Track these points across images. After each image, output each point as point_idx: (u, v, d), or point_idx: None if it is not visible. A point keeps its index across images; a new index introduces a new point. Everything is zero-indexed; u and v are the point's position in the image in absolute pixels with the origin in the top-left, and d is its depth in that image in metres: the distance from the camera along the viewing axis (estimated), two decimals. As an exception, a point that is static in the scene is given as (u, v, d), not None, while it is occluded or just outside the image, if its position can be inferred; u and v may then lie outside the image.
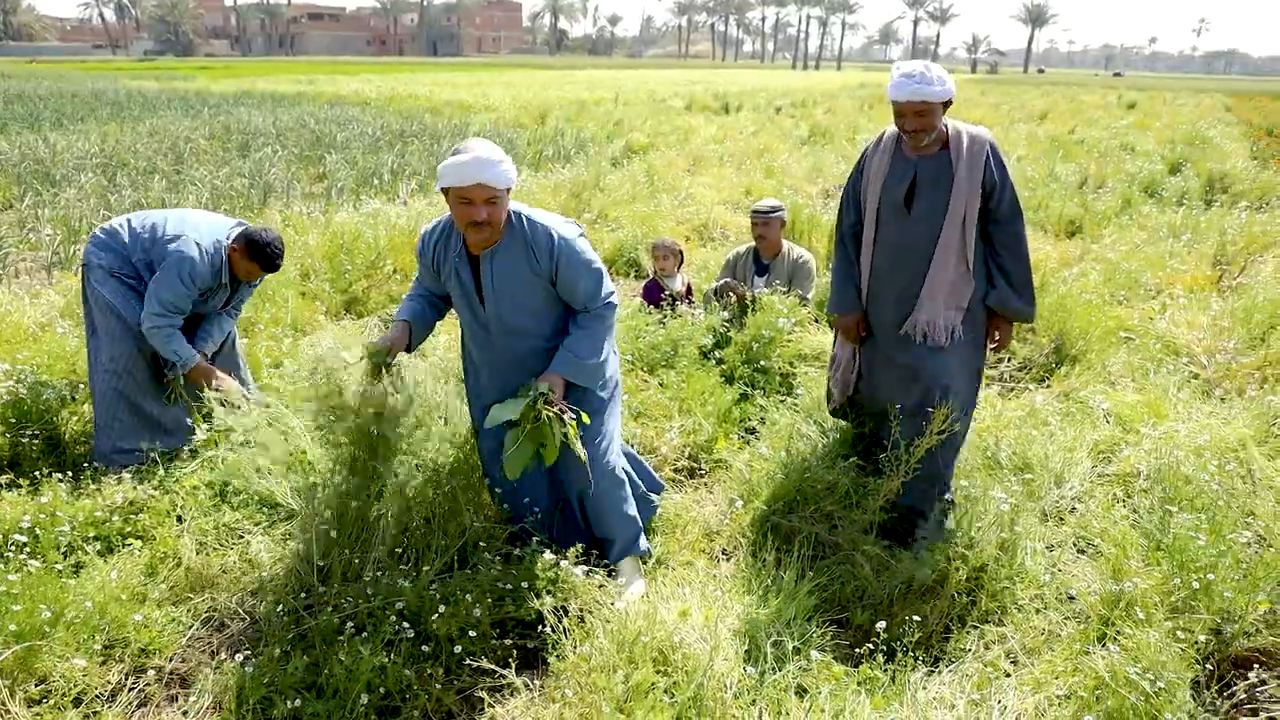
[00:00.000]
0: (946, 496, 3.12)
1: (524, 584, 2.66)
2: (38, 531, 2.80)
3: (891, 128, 3.15)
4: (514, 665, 2.36)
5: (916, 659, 2.45)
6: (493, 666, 2.36)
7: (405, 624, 2.49)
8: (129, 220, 3.60)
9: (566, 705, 2.23)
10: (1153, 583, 2.64)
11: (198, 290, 3.50)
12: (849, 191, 3.32)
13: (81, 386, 3.84)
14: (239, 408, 3.28)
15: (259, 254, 3.55)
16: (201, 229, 3.56)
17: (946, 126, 3.06)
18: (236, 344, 3.95)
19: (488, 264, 2.77)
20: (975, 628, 2.69)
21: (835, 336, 3.49)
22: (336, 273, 5.93)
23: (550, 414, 2.65)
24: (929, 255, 3.09)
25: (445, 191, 2.61)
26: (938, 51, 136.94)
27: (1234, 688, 2.45)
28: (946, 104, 2.98)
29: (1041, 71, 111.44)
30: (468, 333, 2.99)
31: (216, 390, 3.44)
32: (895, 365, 3.21)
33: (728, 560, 3.12)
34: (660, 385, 4.22)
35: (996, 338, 3.25)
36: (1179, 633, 2.44)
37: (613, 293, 2.89)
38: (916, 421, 3.05)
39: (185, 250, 3.44)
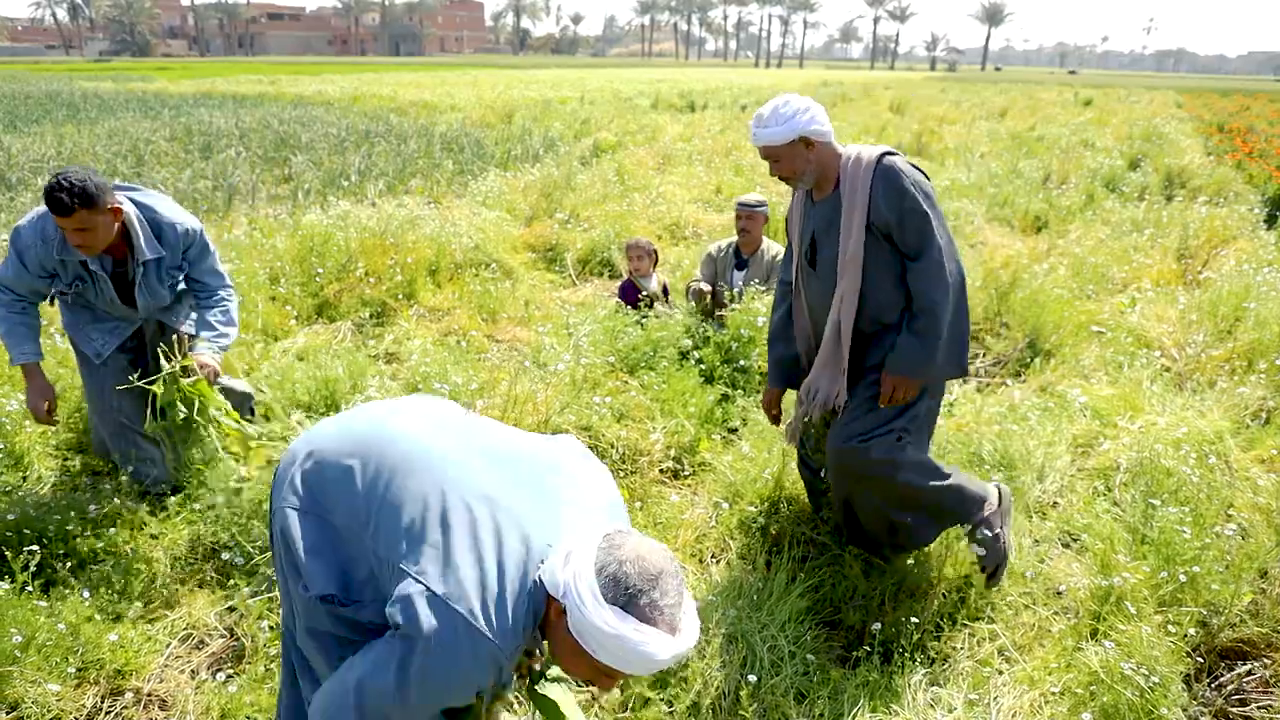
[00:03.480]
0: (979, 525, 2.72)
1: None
2: (4, 550, 2.70)
3: None
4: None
5: (914, 660, 2.45)
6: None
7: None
8: None
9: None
10: (1141, 577, 2.66)
11: (26, 267, 2.90)
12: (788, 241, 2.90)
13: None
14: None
15: (46, 197, 2.70)
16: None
17: (840, 159, 2.58)
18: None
19: None
20: (965, 625, 2.70)
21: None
22: (307, 276, 5.82)
23: None
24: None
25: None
26: (897, 49, 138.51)
27: (1223, 679, 2.47)
28: (807, 143, 2.52)
29: (999, 69, 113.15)
30: None
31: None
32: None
33: (717, 563, 3.10)
34: (641, 386, 4.19)
35: (882, 390, 2.60)
36: (1169, 626, 2.46)
37: None
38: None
39: (19, 222, 2.94)
